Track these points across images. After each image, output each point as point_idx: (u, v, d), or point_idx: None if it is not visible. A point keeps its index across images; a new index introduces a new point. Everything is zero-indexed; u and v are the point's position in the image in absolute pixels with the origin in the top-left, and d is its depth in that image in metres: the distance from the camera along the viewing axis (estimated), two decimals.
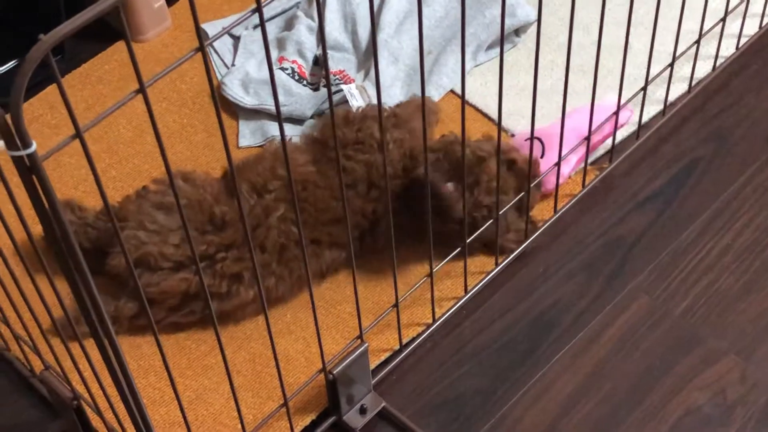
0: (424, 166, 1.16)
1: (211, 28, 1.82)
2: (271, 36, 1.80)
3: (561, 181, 1.49)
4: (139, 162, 1.64)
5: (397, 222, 1.20)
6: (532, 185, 1.40)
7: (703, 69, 1.68)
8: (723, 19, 1.61)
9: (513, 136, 1.60)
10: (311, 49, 1.76)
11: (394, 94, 1.67)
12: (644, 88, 1.52)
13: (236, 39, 1.82)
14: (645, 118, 1.61)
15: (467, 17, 1.05)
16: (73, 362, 1.11)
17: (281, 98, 1.65)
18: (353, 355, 1.22)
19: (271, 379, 1.34)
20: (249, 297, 1.36)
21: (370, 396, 1.31)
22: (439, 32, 1.76)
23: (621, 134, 1.59)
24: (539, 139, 1.51)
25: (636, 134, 1.59)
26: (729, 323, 1.39)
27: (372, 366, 1.32)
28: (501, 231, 1.41)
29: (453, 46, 1.73)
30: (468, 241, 1.35)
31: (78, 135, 0.77)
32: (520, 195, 1.42)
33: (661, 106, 1.62)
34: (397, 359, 1.36)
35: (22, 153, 0.74)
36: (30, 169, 0.76)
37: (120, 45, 1.82)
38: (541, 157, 1.50)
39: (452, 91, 1.71)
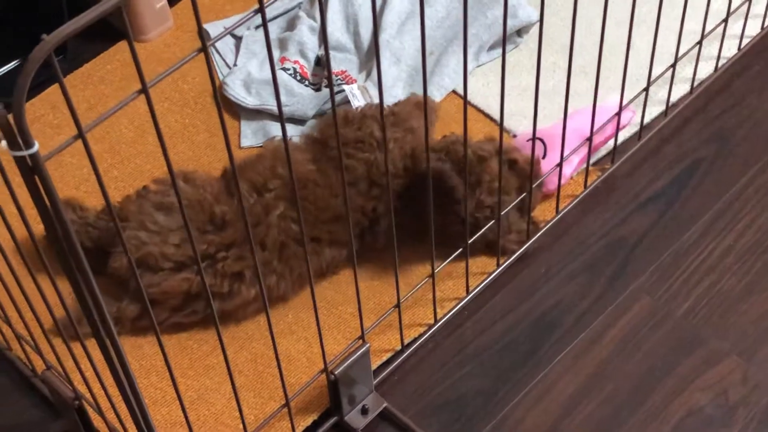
0: (428, 162, 1.16)
1: (213, 28, 1.82)
2: (273, 36, 1.80)
3: (563, 181, 1.49)
4: (141, 162, 1.64)
5: (398, 221, 1.20)
6: (534, 186, 1.40)
7: (705, 70, 1.68)
8: (725, 20, 1.61)
9: (515, 136, 1.60)
10: (313, 49, 1.76)
11: (395, 95, 1.67)
12: (646, 89, 1.52)
13: (238, 39, 1.82)
14: (647, 119, 1.61)
15: (469, 18, 1.05)
16: (74, 362, 1.11)
17: (283, 98, 1.65)
18: (355, 356, 1.22)
19: (273, 380, 1.34)
20: (250, 296, 1.36)
21: (372, 396, 1.31)
22: (441, 33, 1.76)
23: (623, 135, 1.59)
24: (541, 140, 1.51)
25: (638, 135, 1.59)
26: (731, 324, 1.39)
27: (373, 366, 1.32)
28: (503, 231, 1.41)
29: (455, 47, 1.73)
30: (470, 241, 1.35)
31: (80, 135, 0.77)
32: (522, 196, 1.42)
33: (663, 107, 1.62)
34: (399, 360, 1.36)
35: (25, 153, 0.74)
36: (32, 169, 0.76)
37: (122, 45, 1.83)
38: (543, 157, 1.50)
39: (454, 92, 1.71)
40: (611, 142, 1.55)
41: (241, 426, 1.18)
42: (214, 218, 1.35)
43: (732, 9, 1.61)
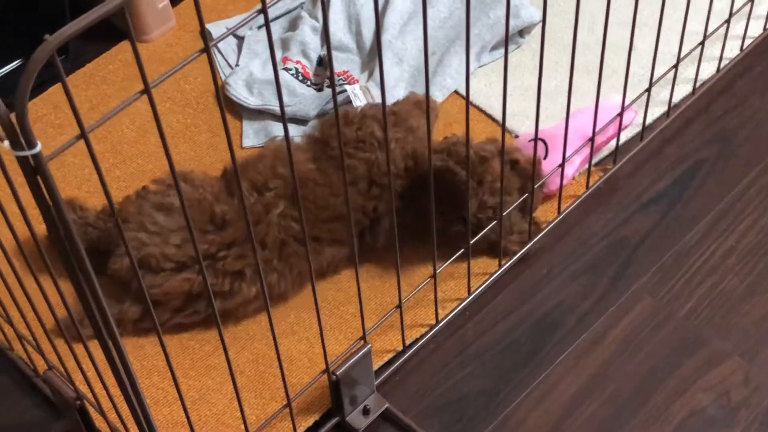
0: (430, 161, 1.16)
1: (215, 28, 1.82)
2: (275, 36, 1.80)
3: (565, 182, 1.49)
4: (143, 162, 1.64)
5: (400, 222, 1.20)
6: (535, 186, 1.39)
7: (708, 70, 1.68)
8: (727, 21, 1.61)
9: (517, 137, 1.60)
10: (315, 49, 1.76)
11: (397, 95, 1.67)
12: (648, 90, 1.52)
13: (240, 39, 1.82)
14: (649, 120, 1.61)
15: (471, 18, 1.05)
16: (76, 362, 1.11)
17: (285, 99, 1.65)
18: (356, 356, 1.22)
19: (275, 380, 1.34)
20: (251, 294, 1.36)
21: (373, 397, 1.31)
22: (443, 33, 1.76)
23: (625, 135, 1.59)
24: (543, 140, 1.51)
25: (640, 135, 1.59)
26: (733, 325, 1.39)
27: (375, 367, 1.32)
28: (504, 232, 1.41)
29: (457, 47, 1.73)
30: (472, 242, 1.35)
31: (83, 135, 0.77)
32: (524, 196, 1.41)
33: (666, 108, 1.62)
34: (401, 360, 1.36)
35: (27, 153, 0.74)
36: (35, 170, 0.76)
37: (124, 45, 1.83)
38: (545, 158, 1.50)
39: (456, 92, 1.71)
40: (613, 143, 1.55)
41: (242, 426, 1.18)
42: (214, 218, 1.35)
43: (734, 10, 1.61)
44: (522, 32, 1.78)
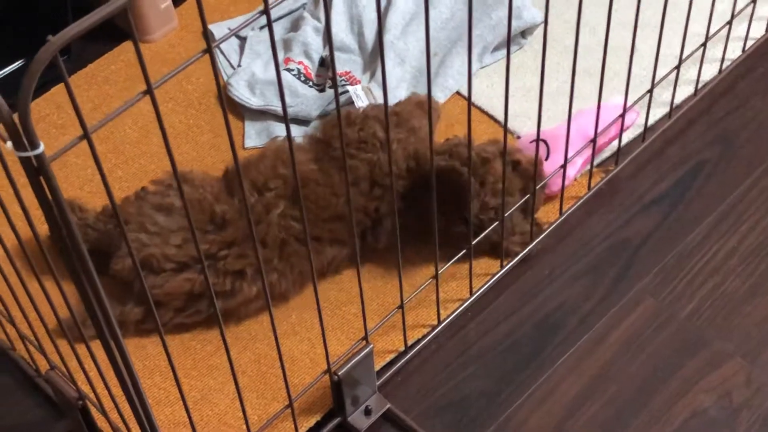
0: (432, 162, 1.16)
1: (217, 28, 1.82)
2: (277, 37, 1.80)
3: (566, 183, 1.49)
4: (145, 162, 1.64)
5: (401, 222, 1.20)
6: (537, 187, 1.40)
7: (710, 72, 1.68)
8: (729, 22, 1.61)
9: (519, 138, 1.60)
10: (317, 50, 1.76)
11: (399, 96, 1.67)
12: (650, 91, 1.52)
13: (242, 40, 1.82)
14: (651, 121, 1.61)
15: (473, 19, 1.05)
16: (78, 362, 1.11)
17: (287, 99, 1.65)
18: (358, 357, 1.22)
19: (276, 380, 1.34)
20: (252, 293, 1.36)
21: (375, 397, 1.31)
22: (445, 34, 1.76)
23: (627, 136, 1.59)
24: (544, 141, 1.51)
25: (642, 137, 1.59)
26: (735, 326, 1.39)
27: (377, 367, 1.32)
28: (506, 233, 1.41)
29: (459, 48, 1.73)
30: (474, 243, 1.35)
31: (86, 136, 0.77)
32: (526, 197, 1.42)
33: (667, 109, 1.62)
34: (402, 361, 1.36)
35: (30, 154, 0.74)
36: (37, 170, 0.76)
37: (126, 45, 1.83)
38: (546, 159, 1.50)
39: (458, 93, 1.71)
40: (615, 144, 1.55)
41: (244, 426, 1.19)
42: (214, 217, 1.35)
43: (736, 11, 1.61)
44: (524, 33, 1.78)
